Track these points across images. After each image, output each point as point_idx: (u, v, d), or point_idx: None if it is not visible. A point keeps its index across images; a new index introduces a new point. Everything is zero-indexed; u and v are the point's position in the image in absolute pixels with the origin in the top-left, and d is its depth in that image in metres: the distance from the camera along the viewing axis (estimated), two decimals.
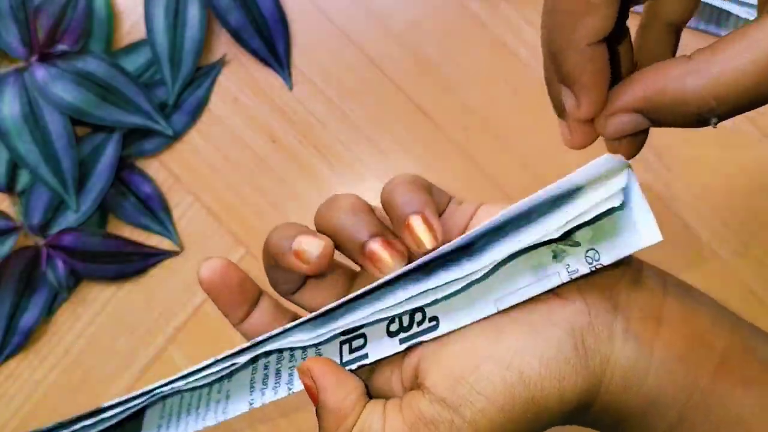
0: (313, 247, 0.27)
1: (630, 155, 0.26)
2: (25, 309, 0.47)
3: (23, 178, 0.48)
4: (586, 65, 0.26)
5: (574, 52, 0.26)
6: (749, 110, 0.23)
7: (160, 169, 0.49)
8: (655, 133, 0.50)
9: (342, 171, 0.49)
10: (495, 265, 0.25)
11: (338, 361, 0.28)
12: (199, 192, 0.49)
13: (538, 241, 0.24)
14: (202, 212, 0.49)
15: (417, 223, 0.27)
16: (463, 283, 0.25)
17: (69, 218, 0.48)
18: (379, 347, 0.27)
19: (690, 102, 0.22)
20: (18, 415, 0.48)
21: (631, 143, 0.26)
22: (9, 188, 0.48)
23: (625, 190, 0.24)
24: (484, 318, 0.26)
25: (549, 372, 0.25)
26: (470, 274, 0.25)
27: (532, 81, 0.49)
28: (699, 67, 0.22)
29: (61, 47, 0.47)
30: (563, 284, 0.25)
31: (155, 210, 0.49)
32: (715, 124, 0.23)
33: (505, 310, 0.26)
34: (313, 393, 0.27)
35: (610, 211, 0.24)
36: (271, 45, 0.49)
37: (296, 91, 0.50)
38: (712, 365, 0.25)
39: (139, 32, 0.49)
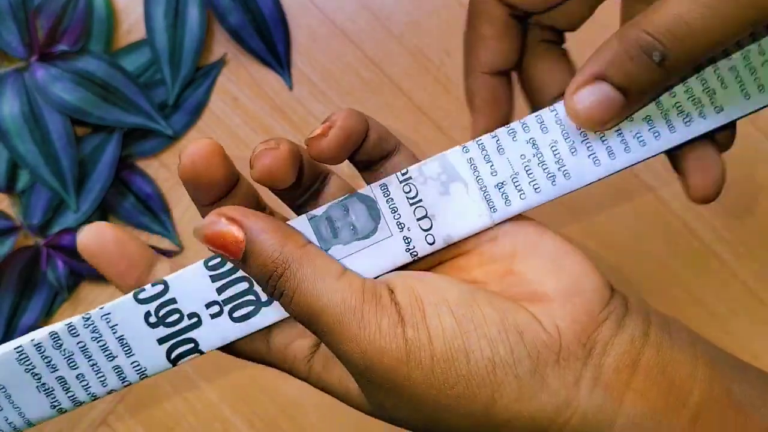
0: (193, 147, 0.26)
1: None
2: (24, 309, 0.47)
3: (23, 178, 0.48)
4: (479, 91, 0.29)
5: (472, 77, 0.29)
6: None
7: (160, 169, 0.49)
8: None
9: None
10: None
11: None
12: None
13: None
14: None
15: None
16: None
17: (69, 218, 0.48)
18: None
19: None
20: None
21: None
22: (9, 188, 0.48)
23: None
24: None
25: (493, 372, 0.23)
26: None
27: None
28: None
29: (61, 47, 0.47)
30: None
31: (155, 210, 0.49)
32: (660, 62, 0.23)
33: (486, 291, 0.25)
34: (233, 239, 0.25)
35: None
36: (271, 45, 0.49)
37: (296, 91, 0.50)
38: (685, 420, 0.24)
39: (138, 32, 0.49)
